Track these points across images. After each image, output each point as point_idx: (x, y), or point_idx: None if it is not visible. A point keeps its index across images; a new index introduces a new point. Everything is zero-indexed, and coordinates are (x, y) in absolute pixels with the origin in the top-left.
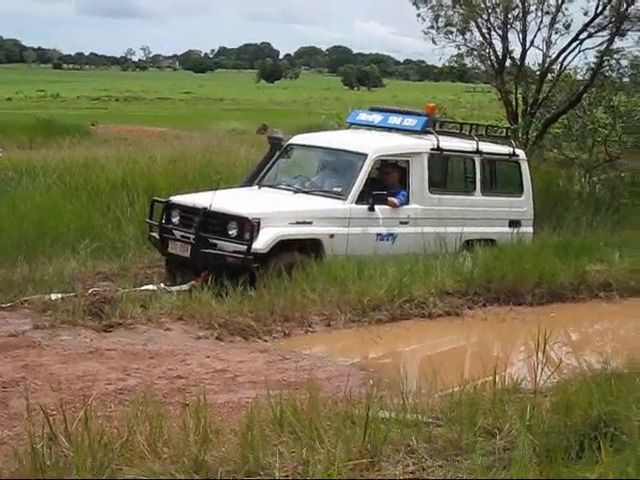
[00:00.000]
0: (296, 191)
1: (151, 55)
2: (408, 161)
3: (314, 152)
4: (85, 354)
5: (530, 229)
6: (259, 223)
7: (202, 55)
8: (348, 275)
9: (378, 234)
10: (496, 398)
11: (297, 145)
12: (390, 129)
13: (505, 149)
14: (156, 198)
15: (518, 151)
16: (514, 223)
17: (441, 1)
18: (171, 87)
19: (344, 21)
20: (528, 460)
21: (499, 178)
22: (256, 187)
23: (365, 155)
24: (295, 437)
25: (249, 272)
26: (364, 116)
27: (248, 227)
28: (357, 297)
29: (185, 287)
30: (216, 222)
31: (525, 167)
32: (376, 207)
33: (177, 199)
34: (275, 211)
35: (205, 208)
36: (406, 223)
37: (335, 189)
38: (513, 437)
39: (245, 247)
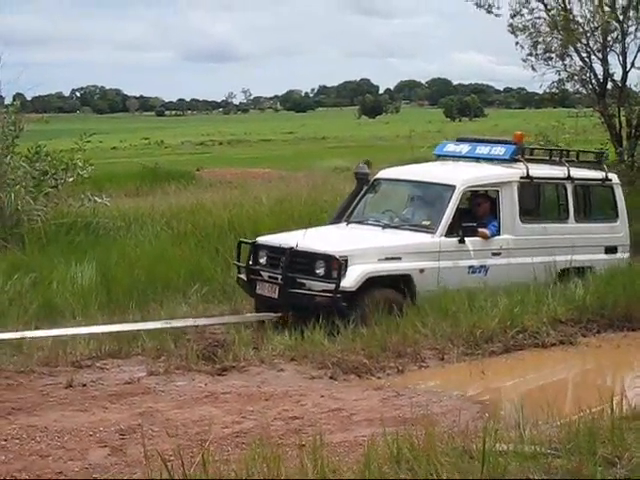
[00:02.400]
0: (384, 226)
1: (252, 97)
2: (498, 191)
3: (401, 186)
4: (200, 398)
5: (627, 255)
6: (347, 261)
7: (302, 94)
8: (459, 307)
9: (470, 267)
10: (615, 426)
11: (384, 179)
12: (478, 159)
13: (597, 174)
14: (242, 239)
15: (611, 175)
16: (610, 249)
17: (539, 28)
18: (273, 128)
19: (441, 53)
20: None
21: (593, 204)
22: (344, 224)
23: (453, 187)
24: (413, 474)
25: (355, 311)
26: (452, 147)
27: (335, 265)
28: (469, 329)
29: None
30: (303, 261)
31: (619, 191)
32: (466, 239)
33: (263, 239)
34: (362, 248)
35: (292, 248)
36: (498, 254)
37: (424, 222)
38: (634, 465)
39: (333, 286)
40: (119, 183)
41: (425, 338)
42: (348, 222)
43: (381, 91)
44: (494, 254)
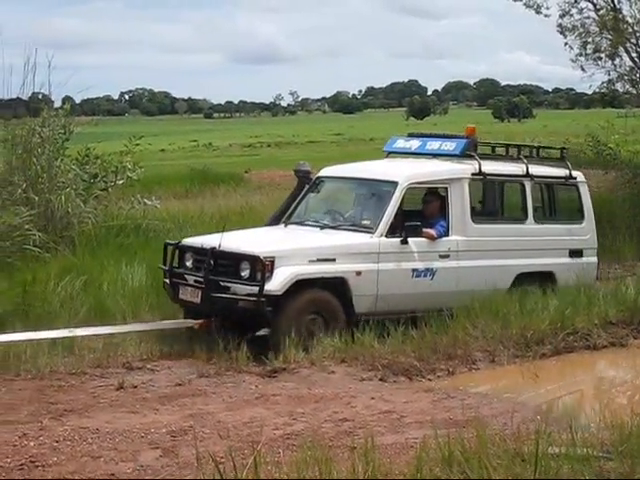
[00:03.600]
0: (322, 227)
1: (299, 99)
2: (446, 188)
3: (344, 184)
4: (251, 400)
5: (594, 259)
6: (273, 262)
7: (350, 96)
8: (510, 309)
9: (414, 270)
10: None
11: (327, 178)
12: (429, 155)
13: (561, 172)
14: (168, 241)
15: (575, 173)
16: (575, 253)
17: (588, 28)
18: (321, 129)
19: (489, 53)
20: None
21: (555, 204)
22: (282, 225)
23: (395, 183)
24: (465, 476)
25: (282, 316)
26: (401, 143)
27: (259, 266)
28: (520, 332)
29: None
30: (227, 263)
31: (585, 191)
32: (410, 240)
33: (188, 241)
34: (291, 248)
35: (214, 248)
36: (447, 257)
37: (364, 222)
38: None
39: (257, 289)
40: (168, 185)
41: (475, 340)
42: (287, 224)
43: (429, 92)
44: (442, 256)
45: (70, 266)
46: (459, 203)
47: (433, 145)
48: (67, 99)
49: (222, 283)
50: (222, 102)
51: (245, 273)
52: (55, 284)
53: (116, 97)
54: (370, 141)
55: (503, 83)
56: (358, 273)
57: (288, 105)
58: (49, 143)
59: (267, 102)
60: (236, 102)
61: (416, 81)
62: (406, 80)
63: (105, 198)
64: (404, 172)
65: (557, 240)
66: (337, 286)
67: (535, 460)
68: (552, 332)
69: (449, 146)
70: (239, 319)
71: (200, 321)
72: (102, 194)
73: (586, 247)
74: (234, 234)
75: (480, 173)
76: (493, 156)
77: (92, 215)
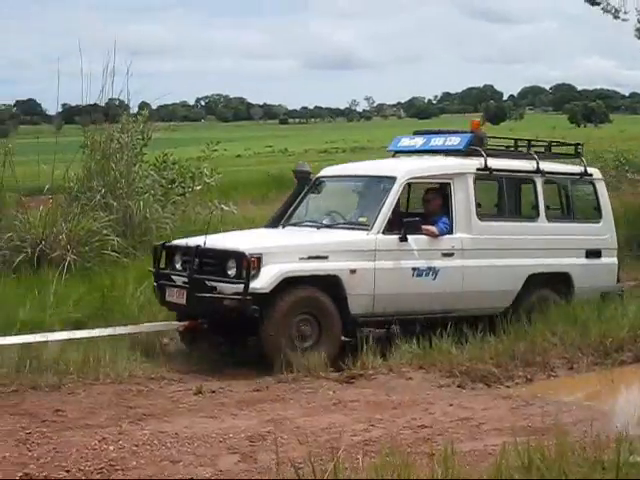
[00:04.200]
0: (319, 227)
1: (375, 104)
2: (449, 184)
3: (344, 183)
4: (328, 406)
5: (614, 259)
6: (259, 259)
7: (425, 101)
8: (589, 316)
9: (414, 268)
10: None
11: (327, 177)
12: (434, 152)
13: (575, 168)
14: (155, 244)
15: (591, 170)
16: (592, 253)
17: None
18: (396, 135)
19: (565, 58)
20: None
21: (570, 201)
22: (280, 227)
23: (394, 178)
24: None
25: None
26: (406, 141)
27: (245, 263)
28: (599, 339)
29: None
30: (213, 262)
31: (602, 188)
32: (410, 237)
33: (175, 241)
34: (281, 245)
35: (198, 246)
36: (450, 255)
37: (361, 219)
38: None
39: (242, 287)
40: (245, 191)
41: (554, 347)
42: (284, 225)
43: (505, 97)
44: (445, 255)
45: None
46: (463, 199)
47: (437, 141)
48: (144, 105)
49: (208, 283)
50: (297, 108)
51: (232, 271)
52: (134, 289)
53: (192, 103)
54: None
55: (579, 88)
56: (352, 271)
57: (363, 110)
58: (127, 149)
59: (342, 108)
60: (311, 107)
61: (492, 86)
62: (482, 85)
63: (182, 203)
64: (403, 167)
65: (572, 240)
66: (330, 285)
67: (617, 469)
68: (632, 339)
69: (453, 141)
70: (226, 320)
71: (184, 323)
72: (180, 199)
73: (604, 247)
74: (226, 234)
75: (486, 168)
76: (502, 152)
77: (170, 220)
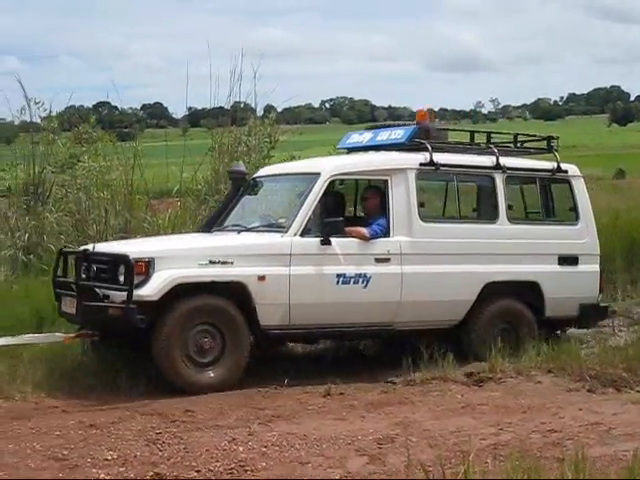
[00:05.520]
0: (240, 231)
1: (500, 106)
2: (387, 181)
3: (278, 183)
4: (457, 409)
5: (594, 267)
6: (149, 264)
7: (551, 103)
8: None
9: (339, 275)
10: None
11: (263, 177)
12: (380, 147)
13: (545, 164)
14: (63, 249)
15: (566, 166)
16: (567, 260)
17: None
18: None
19: None
20: None
21: (540, 202)
22: (206, 233)
23: (317, 175)
24: None
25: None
26: (355, 138)
27: (129, 268)
28: None
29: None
30: (104, 268)
31: (580, 186)
32: (334, 240)
33: (72, 248)
34: (176, 249)
35: (86, 250)
36: (386, 261)
37: (281, 221)
38: None
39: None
40: None
41: None
42: (213, 230)
43: (632, 98)
44: (379, 260)
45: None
46: (403, 198)
47: (383, 136)
48: (269, 108)
49: (99, 290)
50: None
51: (122, 278)
52: None
53: (317, 105)
54: (572, 148)
55: None
56: (261, 278)
57: (489, 112)
58: (255, 152)
59: (467, 109)
60: (437, 109)
61: (618, 87)
62: (608, 86)
63: None
64: (329, 163)
65: (540, 244)
66: (236, 293)
67: None
68: None
69: (396, 135)
70: (113, 331)
71: (69, 335)
72: None
73: (582, 253)
74: (138, 239)
75: (431, 164)
76: (456, 146)
77: None
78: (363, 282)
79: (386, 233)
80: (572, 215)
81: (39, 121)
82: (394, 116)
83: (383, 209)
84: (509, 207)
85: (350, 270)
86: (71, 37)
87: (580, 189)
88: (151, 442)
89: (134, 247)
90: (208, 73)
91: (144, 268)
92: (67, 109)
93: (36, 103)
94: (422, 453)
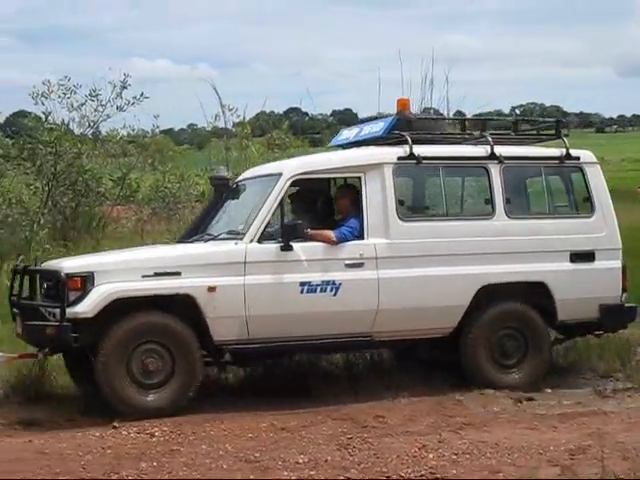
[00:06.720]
0: (207, 240)
1: None
2: (360, 178)
3: (250, 187)
4: None
5: (616, 263)
6: (86, 278)
7: None
8: None
9: (303, 283)
10: None
11: (242, 181)
12: (362, 143)
13: (551, 152)
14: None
15: (578, 152)
16: (581, 256)
17: None
18: None
19: None
20: None
21: (546, 193)
22: (182, 243)
23: (278, 176)
24: None
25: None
26: (345, 134)
27: (62, 284)
28: None
29: None
30: (48, 285)
31: (595, 174)
32: (296, 246)
33: (24, 265)
34: (118, 261)
35: (26, 266)
36: (359, 266)
37: (239, 227)
38: None
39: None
40: None
41: None
42: (192, 240)
43: None
44: (350, 266)
45: None
46: (378, 196)
47: (365, 130)
48: (458, 114)
49: (43, 309)
50: (614, 116)
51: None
52: None
53: (507, 111)
54: None
55: None
56: (211, 289)
57: None
58: None
59: None
60: (629, 116)
61: None
62: None
63: None
64: (292, 162)
65: (547, 240)
66: (184, 307)
67: None
68: None
69: (376, 128)
70: (58, 351)
71: (12, 355)
72: None
73: (600, 248)
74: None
75: (412, 157)
76: (443, 137)
77: None
78: (332, 290)
79: (359, 235)
80: (586, 206)
81: (230, 127)
82: (585, 122)
83: (356, 209)
84: (507, 201)
85: (316, 277)
86: (263, 44)
87: (595, 177)
88: (342, 447)
89: (73, 261)
90: (397, 79)
91: (80, 283)
92: (258, 115)
93: (230, 109)
94: (614, 465)
